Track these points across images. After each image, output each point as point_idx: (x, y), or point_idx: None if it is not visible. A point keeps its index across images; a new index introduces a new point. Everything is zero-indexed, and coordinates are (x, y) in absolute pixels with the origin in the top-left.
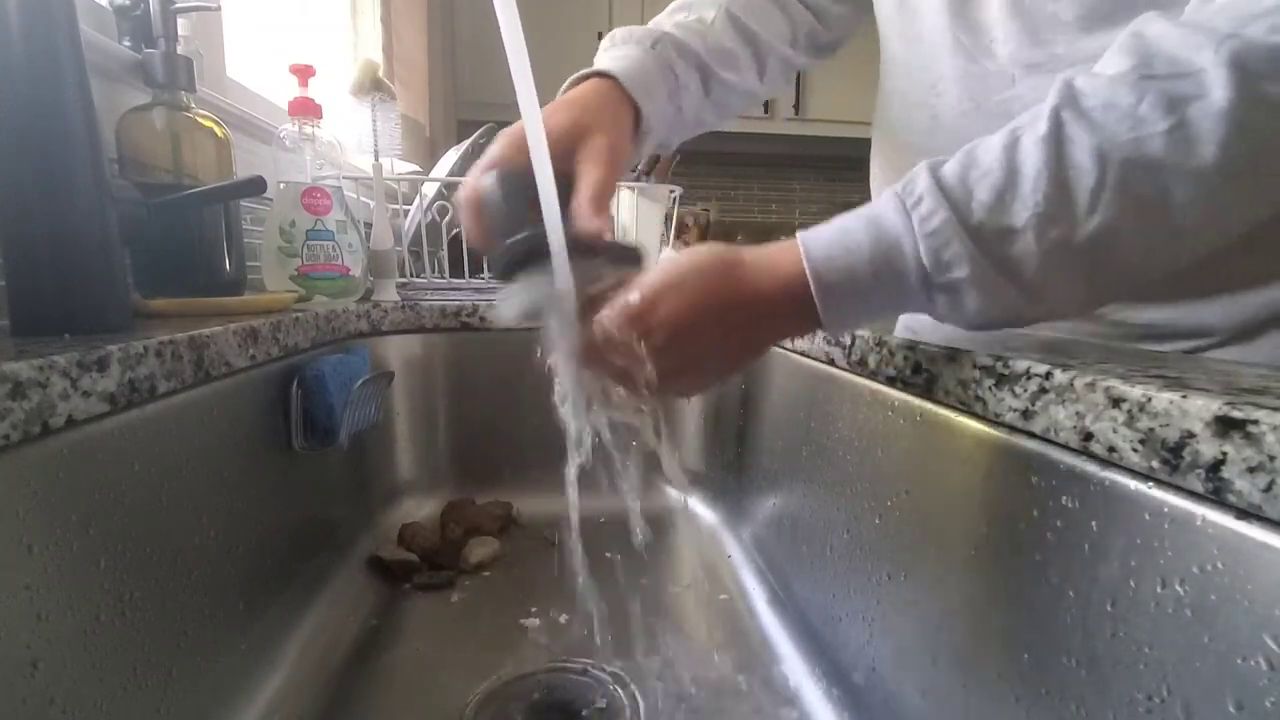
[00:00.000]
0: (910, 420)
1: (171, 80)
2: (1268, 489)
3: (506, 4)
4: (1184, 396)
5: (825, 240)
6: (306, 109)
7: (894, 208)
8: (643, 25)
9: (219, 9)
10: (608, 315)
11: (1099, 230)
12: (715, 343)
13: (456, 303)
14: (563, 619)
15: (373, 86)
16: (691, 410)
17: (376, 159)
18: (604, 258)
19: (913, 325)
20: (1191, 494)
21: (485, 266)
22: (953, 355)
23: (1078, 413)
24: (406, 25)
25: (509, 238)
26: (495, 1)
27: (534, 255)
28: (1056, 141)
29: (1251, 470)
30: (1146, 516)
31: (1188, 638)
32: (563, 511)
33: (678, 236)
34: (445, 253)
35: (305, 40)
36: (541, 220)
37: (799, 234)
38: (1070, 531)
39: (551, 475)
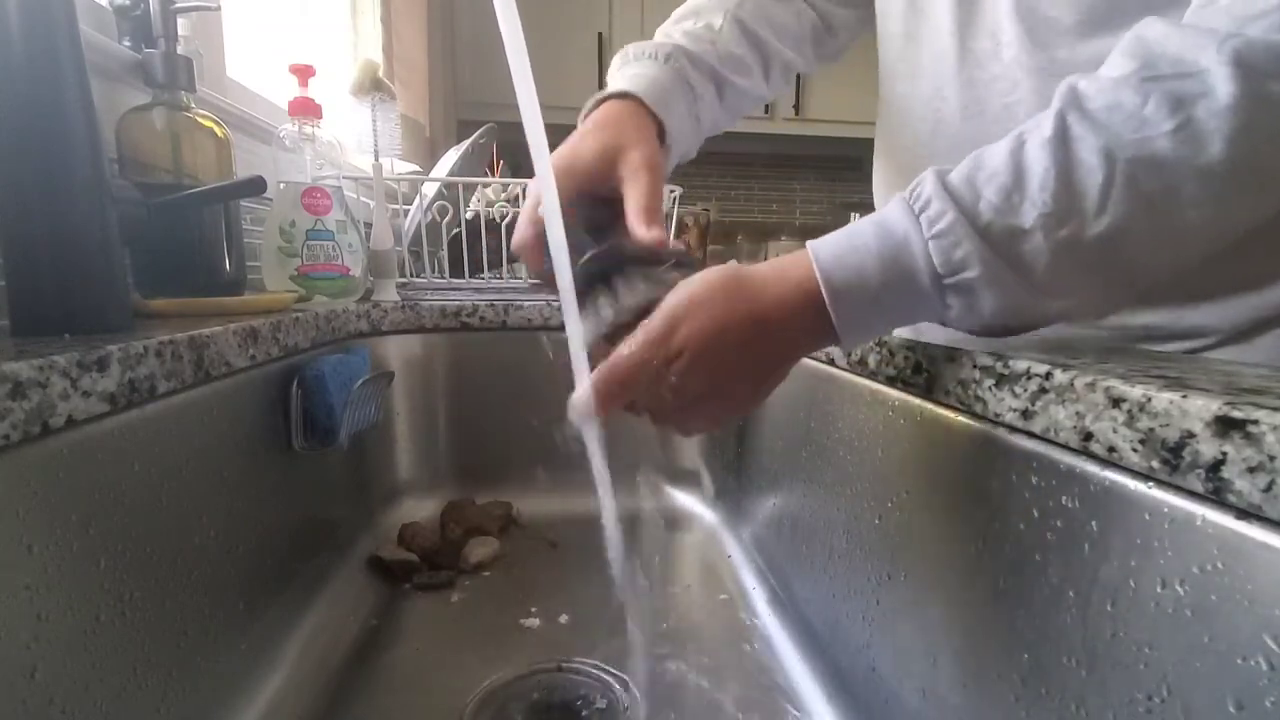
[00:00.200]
0: (910, 420)
1: (171, 80)
2: (1268, 489)
3: (506, 4)
4: (1184, 396)
5: (833, 244)
6: (306, 109)
7: (901, 211)
8: (645, 31)
9: (219, 9)
10: (629, 343)
11: (1108, 229)
12: (735, 361)
13: (456, 303)
14: (563, 619)
15: (373, 86)
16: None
17: (376, 159)
18: (668, 264)
19: (918, 329)
20: (1191, 494)
21: (485, 266)
22: (953, 355)
23: (1078, 413)
24: (406, 25)
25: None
26: (495, 2)
27: (607, 270)
28: (1063, 142)
29: (1251, 470)
30: (1146, 516)
31: (1188, 638)
32: (563, 511)
33: (678, 236)
34: (445, 253)
35: (305, 40)
36: (604, 236)
37: (809, 244)
38: (1070, 531)
39: (551, 475)
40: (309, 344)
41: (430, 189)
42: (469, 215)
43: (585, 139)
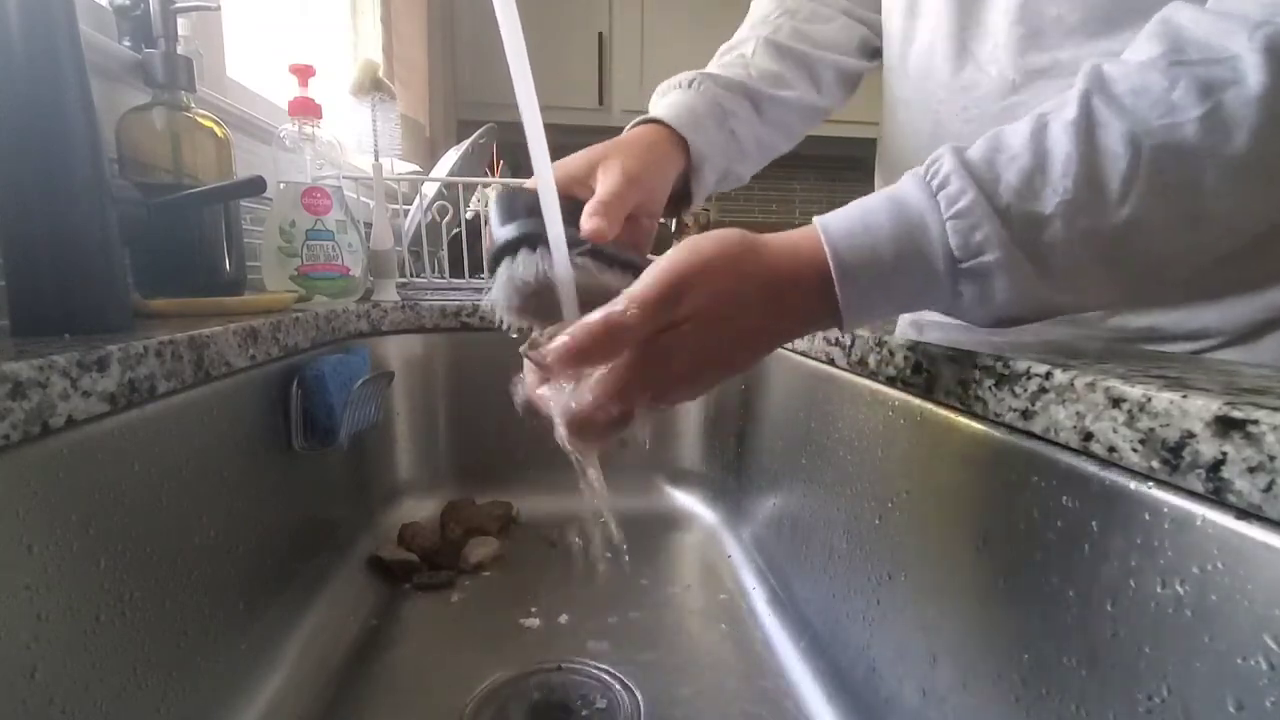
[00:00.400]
0: (910, 420)
1: (171, 80)
2: (1268, 489)
3: (506, 4)
4: (1184, 396)
5: (845, 222)
6: (306, 109)
7: (918, 188)
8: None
9: (219, 9)
10: (622, 301)
11: (1129, 219)
12: (739, 333)
13: (456, 303)
14: (563, 619)
15: (373, 86)
16: (692, 410)
17: (376, 159)
18: (578, 250)
19: (919, 321)
20: (1191, 494)
21: (485, 266)
22: (953, 355)
23: (1078, 413)
24: (406, 25)
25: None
26: (495, 2)
27: (518, 243)
28: (1087, 126)
29: (1251, 470)
30: (1146, 516)
31: (1188, 638)
32: (563, 511)
33: (677, 236)
34: (445, 253)
35: (305, 40)
36: (533, 219)
37: (816, 219)
38: (1070, 531)
39: (551, 475)
40: (309, 344)
41: (430, 189)
42: (469, 215)
43: (585, 150)
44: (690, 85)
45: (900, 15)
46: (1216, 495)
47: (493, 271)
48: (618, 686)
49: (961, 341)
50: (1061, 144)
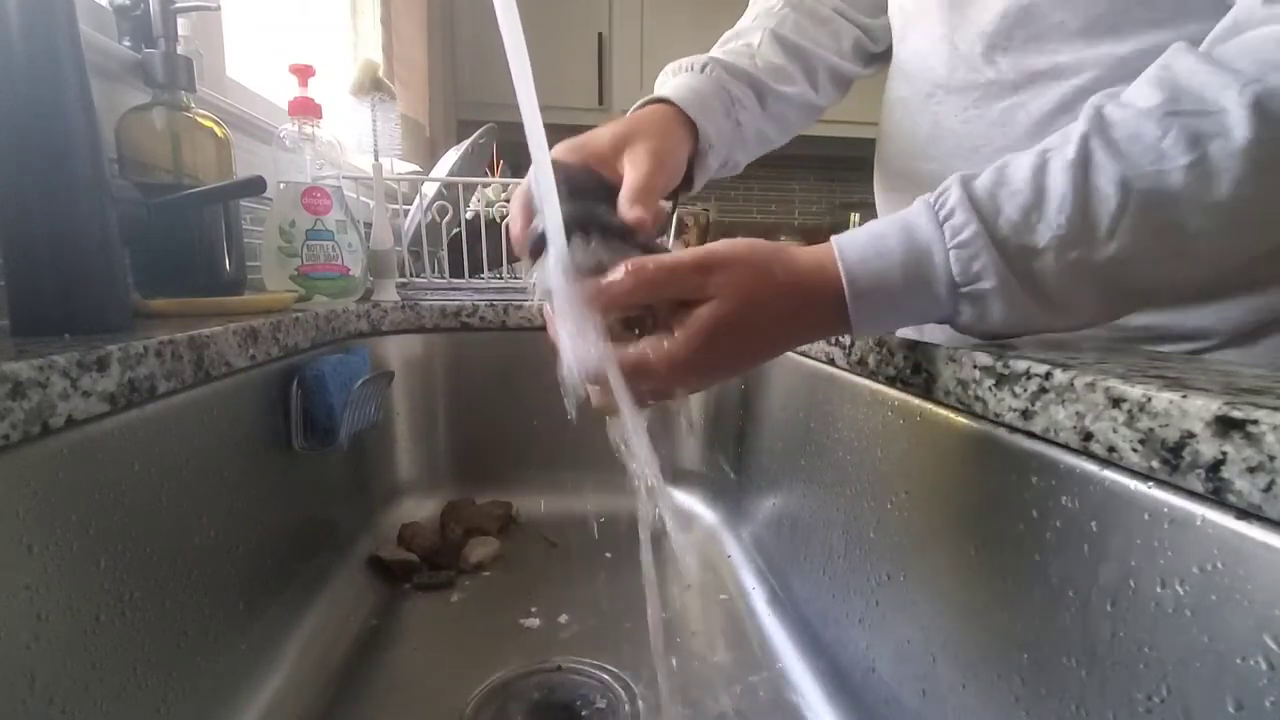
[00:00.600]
0: (910, 420)
1: (171, 80)
2: (1268, 489)
3: (506, 4)
4: (1184, 396)
5: (860, 243)
6: (306, 109)
7: (927, 217)
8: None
9: (219, 9)
10: (653, 263)
11: (1117, 253)
12: (755, 328)
13: (456, 303)
14: (563, 619)
15: (373, 86)
16: (692, 410)
17: (376, 159)
18: (633, 243)
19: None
20: (1191, 494)
21: (485, 266)
22: (953, 355)
23: (1078, 413)
24: (406, 25)
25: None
26: (495, 2)
27: (571, 225)
28: (1084, 169)
29: (1251, 470)
30: (1146, 516)
31: (1188, 638)
32: (563, 511)
33: (677, 236)
34: (445, 253)
35: (305, 40)
36: (578, 204)
37: (833, 238)
38: (1070, 531)
39: (551, 475)
40: (309, 344)
41: (430, 189)
42: (469, 215)
43: (607, 128)
44: (701, 70)
45: (898, 16)
46: (1216, 495)
47: (536, 254)
48: (618, 686)
49: (961, 341)
50: (1059, 183)
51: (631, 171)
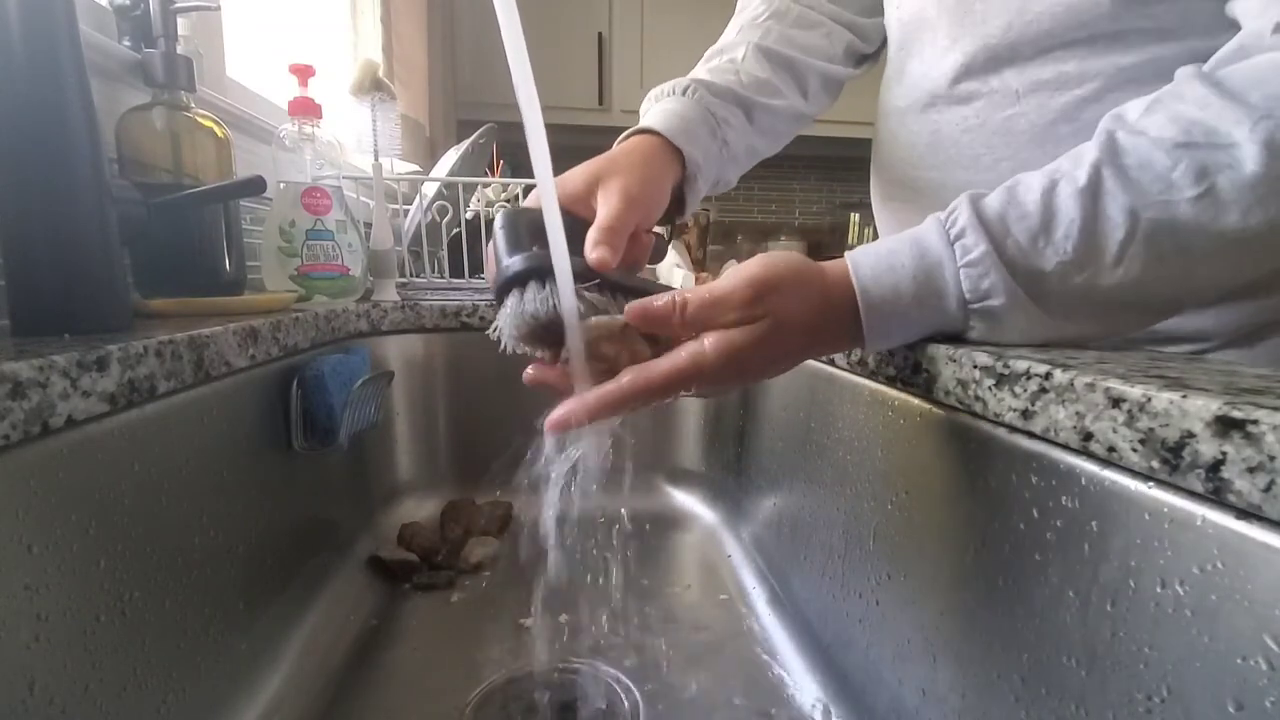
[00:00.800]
0: (910, 420)
1: (171, 80)
2: (1268, 489)
3: (506, 4)
4: (1184, 396)
5: (873, 261)
6: (306, 109)
7: (938, 236)
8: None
9: (219, 9)
10: (708, 289)
11: (1122, 279)
12: (797, 341)
13: (456, 303)
14: (563, 619)
15: (373, 86)
16: (692, 410)
17: (376, 159)
18: (590, 284)
19: None
20: (1191, 494)
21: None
22: (953, 355)
23: (1078, 413)
24: (406, 25)
25: (504, 262)
26: (495, 2)
27: (525, 275)
28: (1094, 196)
29: (1251, 470)
30: (1146, 516)
31: (1188, 638)
32: (563, 512)
33: (678, 236)
34: (445, 253)
35: (305, 40)
36: (540, 247)
37: (848, 255)
38: (1070, 531)
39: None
40: (309, 344)
41: (430, 189)
42: (469, 215)
43: (584, 165)
44: (685, 93)
45: (897, 26)
46: (1216, 495)
47: (500, 300)
48: (617, 687)
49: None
50: (1068, 209)
51: (601, 210)
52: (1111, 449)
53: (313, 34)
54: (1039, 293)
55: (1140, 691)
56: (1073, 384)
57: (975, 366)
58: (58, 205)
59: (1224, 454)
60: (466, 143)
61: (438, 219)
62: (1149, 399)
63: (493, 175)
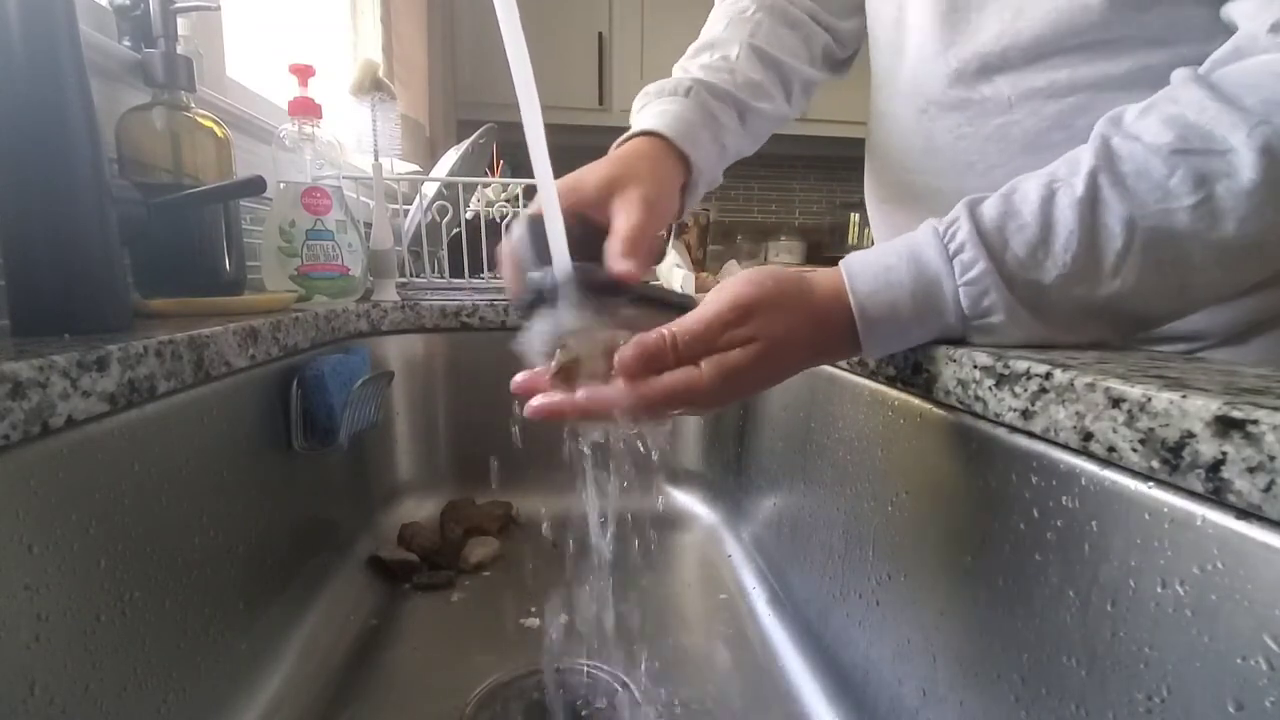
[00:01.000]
0: (910, 420)
1: (171, 80)
2: (1268, 489)
3: (506, 4)
4: (1184, 396)
5: (870, 275)
6: (306, 109)
7: (936, 250)
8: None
9: (219, 9)
10: (693, 318)
11: (1120, 289)
12: (784, 359)
13: (456, 303)
14: (563, 619)
15: (373, 86)
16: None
17: (376, 159)
18: (626, 298)
19: None
20: (1191, 494)
21: (485, 266)
22: (953, 355)
23: (1078, 413)
24: (406, 25)
25: (532, 275)
26: (495, 2)
27: (554, 292)
28: (1091, 206)
29: (1251, 470)
30: (1146, 516)
31: (1188, 638)
32: (563, 512)
33: (678, 236)
34: (445, 253)
35: (305, 40)
36: (574, 258)
37: (843, 266)
38: (1070, 531)
39: (551, 475)
40: (309, 344)
41: (430, 189)
42: (469, 215)
43: (596, 167)
44: (686, 94)
45: (888, 28)
46: (1216, 495)
47: (527, 316)
48: (618, 687)
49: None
50: (1066, 220)
51: (623, 220)
52: (1111, 449)
53: (313, 34)
54: (1038, 305)
55: (1140, 691)
56: (1073, 384)
57: (975, 366)
58: (58, 205)
59: (1224, 454)
60: (466, 143)
61: (438, 219)
62: (1149, 399)
63: (493, 175)
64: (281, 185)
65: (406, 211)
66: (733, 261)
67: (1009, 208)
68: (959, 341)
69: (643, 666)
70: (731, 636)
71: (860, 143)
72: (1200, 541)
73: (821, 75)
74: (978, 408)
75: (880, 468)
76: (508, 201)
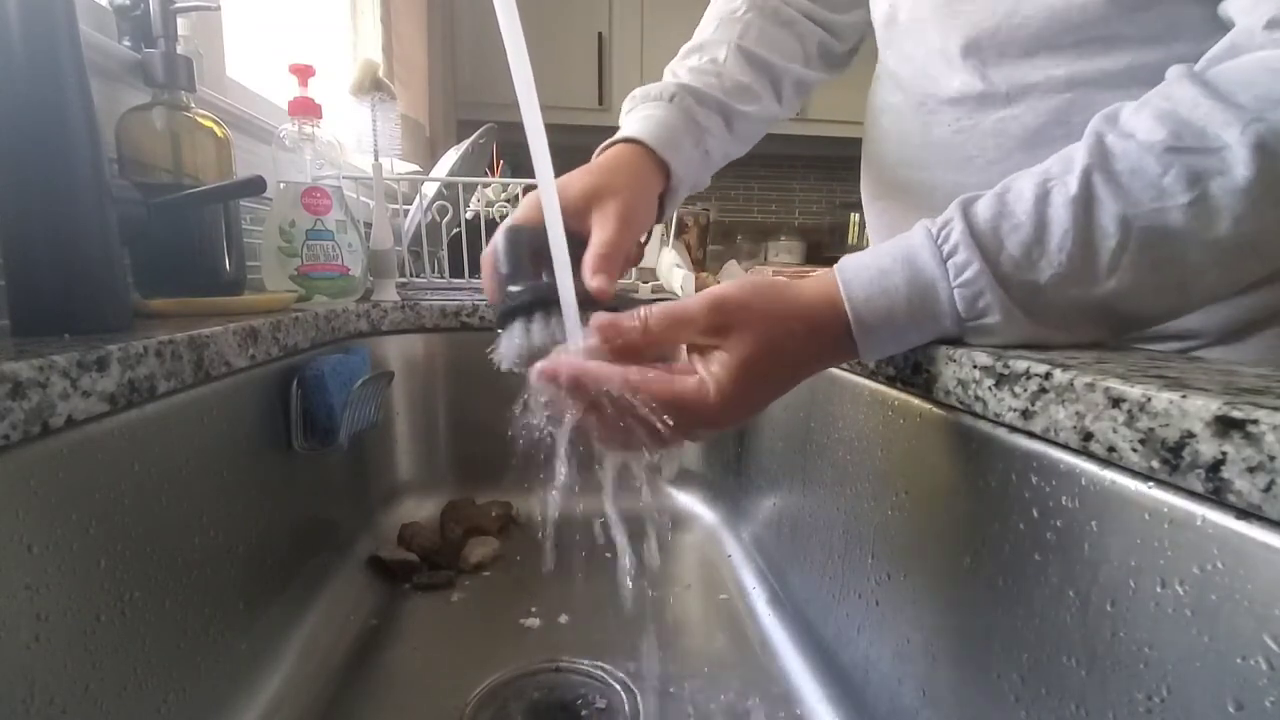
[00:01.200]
0: (910, 420)
1: (171, 80)
2: (1268, 489)
3: (506, 4)
4: (1184, 396)
5: (864, 280)
6: (306, 109)
7: (930, 252)
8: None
9: (219, 9)
10: (658, 315)
11: (1116, 288)
12: (777, 373)
13: (456, 303)
14: (563, 619)
15: (373, 86)
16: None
17: (376, 159)
18: (592, 311)
19: None
20: (1191, 494)
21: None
22: (953, 355)
23: (1078, 413)
24: (406, 25)
25: (510, 288)
26: (495, 2)
27: (531, 306)
28: (1085, 205)
29: (1251, 470)
30: (1146, 516)
31: (1188, 638)
32: (563, 511)
33: (678, 236)
34: (445, 253)
35: (305, 40)
36: (543, 275)
37: (837, 271)
38: (1070, 531)
39: (551, 475)
40: (309, 344)
41: (430, 189)
42: (469, 215)
43: (577, 176)
44: (670, 100)
45: (889, 26)
46: (1216, 495)
47: (503, 325)
48: (617, 687)
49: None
50: (1060, 220)
51: (598, 234)
52: (1111, 449)
53: (313, 34)
54: (1033, 306)
55: (1140, 691)
56: (1073, 384)
57: (975, 366)
58: (58, 205)
59: (1224, 454)
60: (466, 143)
61: (438, 219)
62: (1149, 399)
63: (493, 175)
64: (281, 185)
65: (406, 211)
66: (733, 262)
67: (1003, 207)
68: (958, 341)
69: (643, 666)
70: (731, 636)
71: (860, 143)
72: (1200, 541)
73: (817, 73)
74: (977, 408)
75: (880, 468)
76: (508, 201)
